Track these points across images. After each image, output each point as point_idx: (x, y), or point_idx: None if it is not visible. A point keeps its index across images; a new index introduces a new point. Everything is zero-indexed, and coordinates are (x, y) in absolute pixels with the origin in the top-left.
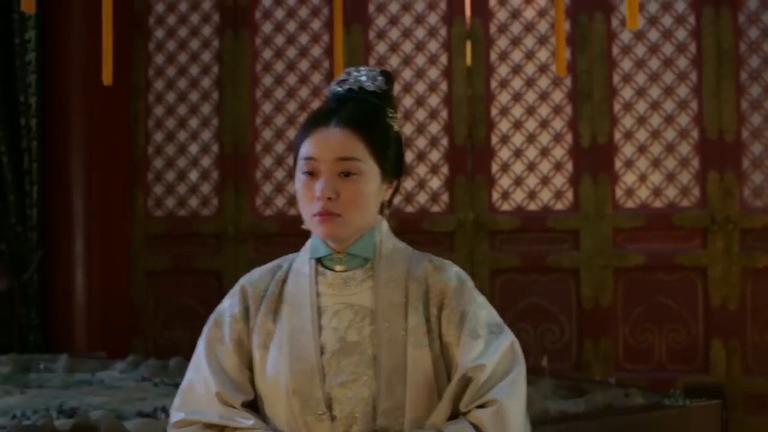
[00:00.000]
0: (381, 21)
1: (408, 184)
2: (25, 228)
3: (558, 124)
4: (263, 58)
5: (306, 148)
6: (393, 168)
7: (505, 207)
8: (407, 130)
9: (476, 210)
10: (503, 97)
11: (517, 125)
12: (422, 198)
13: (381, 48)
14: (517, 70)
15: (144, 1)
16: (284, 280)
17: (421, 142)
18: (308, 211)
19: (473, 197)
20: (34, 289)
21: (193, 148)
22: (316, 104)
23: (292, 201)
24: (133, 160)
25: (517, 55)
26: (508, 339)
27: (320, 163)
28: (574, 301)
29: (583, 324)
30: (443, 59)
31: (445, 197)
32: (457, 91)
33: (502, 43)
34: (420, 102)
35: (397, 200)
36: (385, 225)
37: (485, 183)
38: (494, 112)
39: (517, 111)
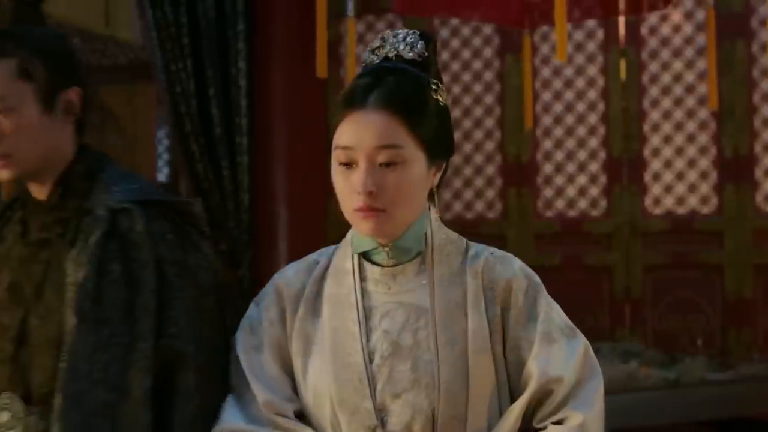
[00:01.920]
0: (545, 49)
1: (570, 191)
2: (240, 230)
3: (703, 138)
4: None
5: (341, 135)
6: (441, 150)
7: (657, 211)
8: (569, 144)
9: (630, 214)
10: (654, 115)
11: (667, 139)
12: (582, 204)
13: (545, 72)
14: (666, 90)
15: (336, 30)
16: (323, 278)
17: (582, 155)
18: (348, 205)
19: (628, 203)
20: (247, 282)
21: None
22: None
23: (570, 204)
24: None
25: (666, 78)
26: (582, 344)
27: (358, 152)
28: (719, 294)
29: (727, 314)
30: (600, 82)
31: (603, 203)
32: (613, 109)
33: (653, 67)
34: (580, 119)
35: (560, 205)
36: (434, 213)
37: (638, 190)
38: (646, 127)
39: (667, 126)
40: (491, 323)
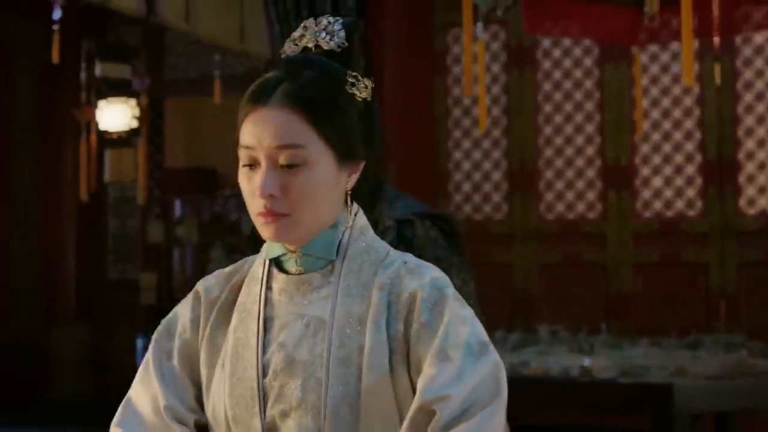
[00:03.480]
0: (643, 58)
1: (667, 192)
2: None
3: None
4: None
5: (243, 134)
6: (353, 148)
7: (751, 211)
8: (666, 148)
9: (725, 214)
10: (748, 120)
11: (760, 143)
12: (679, 204)
13: (644, 81)
14: (760, 96)
15: (443, 41)
16: (240, 286)
17: (678, 158)
18: (252, 209)
19: (723, 204)
20: None
21: (485, 162)
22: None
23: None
24: (437, 172)
25: (759, 84)
26: (490, 363)
27: (258, 152)
28: None
29: None
30: (695, 89)
31: (699, 204)
32: (708, 114)
33: (747, 74)
34: (676, 125)
35: (658, 206)
36: (359, 220)
37: (733, 191)
38: (740, 132)
39: (761, 131)
40: (392, 341)
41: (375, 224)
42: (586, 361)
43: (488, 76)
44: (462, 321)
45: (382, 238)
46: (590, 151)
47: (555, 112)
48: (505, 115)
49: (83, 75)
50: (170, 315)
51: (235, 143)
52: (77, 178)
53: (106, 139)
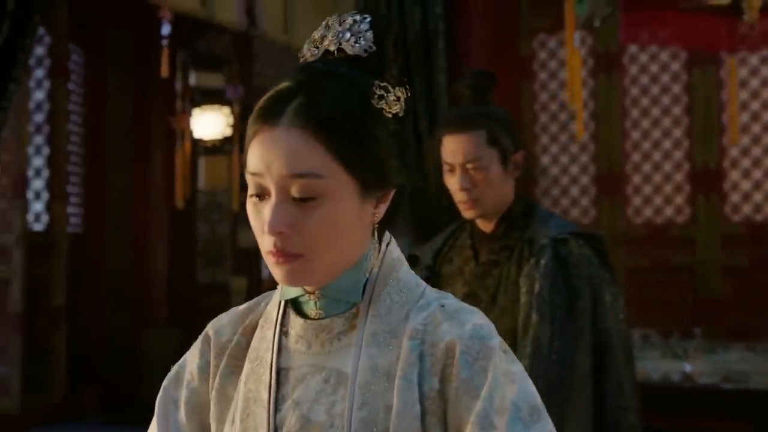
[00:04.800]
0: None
1: (756, 196)
2: (439, 224)
3: None
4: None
5: (249, 158)
6: (381, 176)
7: None
8: (756, 152)
9: None
10: None
11: None
12: None
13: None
14: None
15: (529, 46)
16: (255, 327)
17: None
18: (262, 246)
19: None
20: None
21: (570, 168)
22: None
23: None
24: (524, 177)
25: None
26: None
27: (268, 180)
28: None
29: None
30: None
31: None
32: None
33: None
34: (766, 128)
35: (747, 209)
36: (391, 252)
37: None
38: None
39: None
40: (425, 399)
41: (530, 243)
42: (687, 367)
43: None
44: (510, 379)
45: (538, 257)
46: (678, 155)
47: (642, 116)
48: (593, 120)
49: (178, 84)
50: (181, 360)
51: (242, 167)
52: (168, 185)
53: (200, 147)
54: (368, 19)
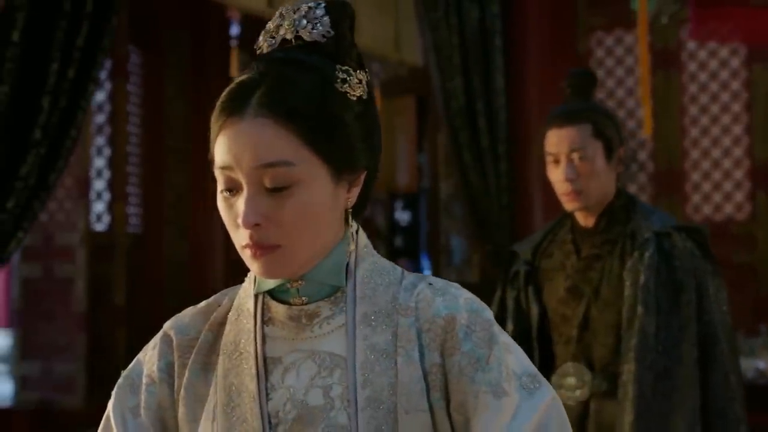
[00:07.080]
0: None
1: None
2: (501, 228)
3: None
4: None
5: (217, 153)
6: (352, 159)
7: None
8: None
9: None
10: None
11: None
12: None
13: None
14: None
15: (586, 44)
16: (223, 323)
17: None
18: (236, 241)
19: None
20: None
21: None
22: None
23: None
24: None
25: None
26: (547, 397)
27: (238, 173)
28: None
29: None
30: None
31: None
32: None
33: None
34: None
35: None
36: (362, 238)
37: None
38: None
39: None
40: (428, 374)
41: (632, 237)
42: (761, 364)
43: (632, 79)
44: (507, 349)
45: (642, 251)
46: (738, 151)
47: (701, 113)
48: (651, 118)
49: None
50: (131, 365)
51: (209, 162)
52: None
53: None
54: (323, 5)
